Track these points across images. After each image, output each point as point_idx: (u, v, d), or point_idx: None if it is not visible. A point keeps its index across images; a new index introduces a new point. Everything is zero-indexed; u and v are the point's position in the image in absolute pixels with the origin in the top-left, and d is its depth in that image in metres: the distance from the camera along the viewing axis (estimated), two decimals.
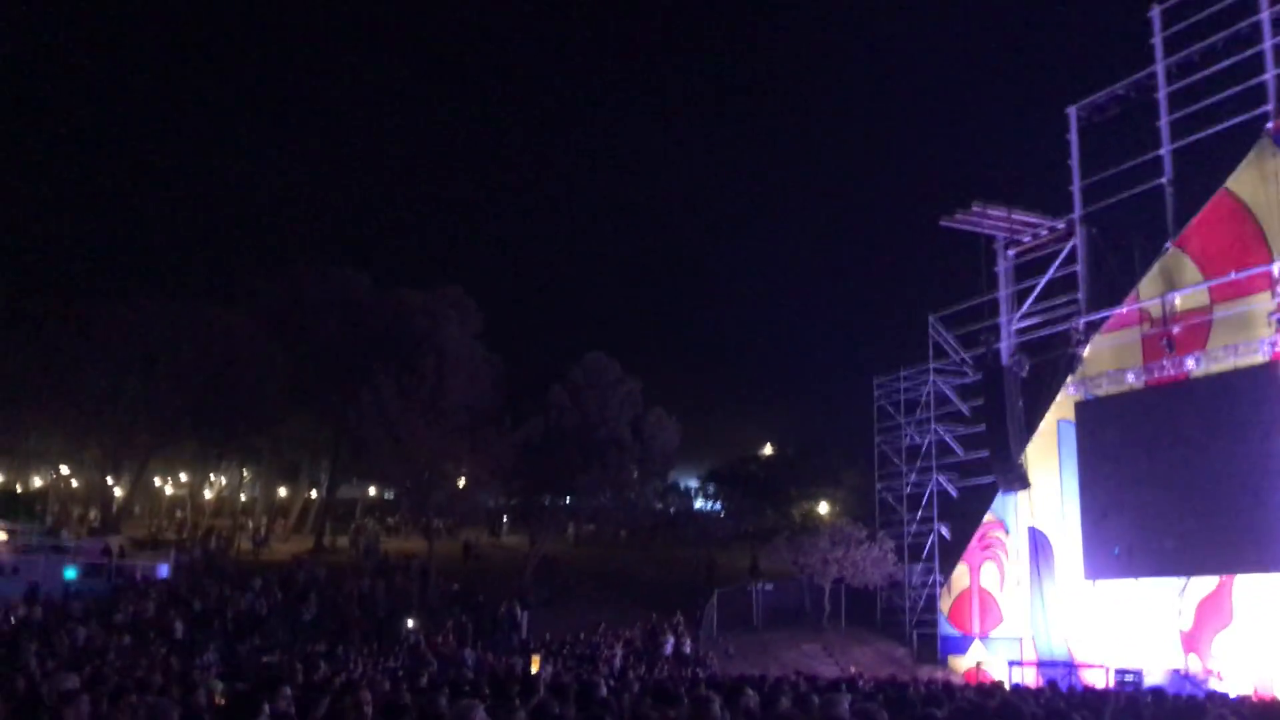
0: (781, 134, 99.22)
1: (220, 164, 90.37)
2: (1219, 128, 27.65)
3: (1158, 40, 29.69)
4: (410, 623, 31.33)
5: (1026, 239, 33.21)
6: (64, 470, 52.30)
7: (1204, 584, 26.55)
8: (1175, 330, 27.65)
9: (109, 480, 49.02)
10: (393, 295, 47.17)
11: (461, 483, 40.88)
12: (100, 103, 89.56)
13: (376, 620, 32.03)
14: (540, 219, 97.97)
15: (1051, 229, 32.43)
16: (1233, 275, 26.43)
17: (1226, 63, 27.61)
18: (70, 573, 33.71)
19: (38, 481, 54.01)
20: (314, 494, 54.91)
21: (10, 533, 38.70)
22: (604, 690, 12.11)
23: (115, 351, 42.26)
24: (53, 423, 44.66)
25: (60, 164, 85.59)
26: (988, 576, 33.15)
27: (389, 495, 55.30)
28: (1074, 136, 32.08)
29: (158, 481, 57.14)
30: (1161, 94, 29.47)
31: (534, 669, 23.12)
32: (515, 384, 43.59)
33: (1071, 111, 32.13)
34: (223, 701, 10.53)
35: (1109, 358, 29.90)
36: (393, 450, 37.54)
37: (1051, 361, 31.80)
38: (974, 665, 31.66)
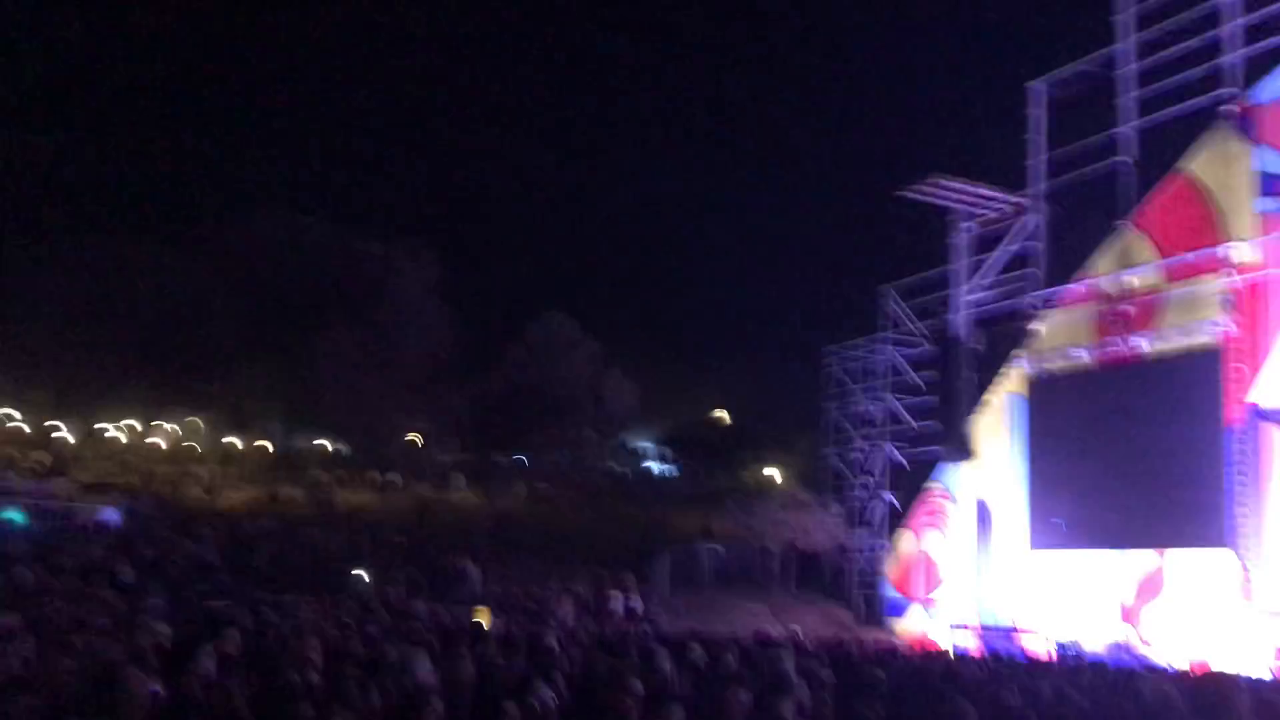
0: (740, 101, 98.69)
1: (177, 106, 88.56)
2: (1181, 108, 27.88)
3: (1124, 17, 29.74)
4: (360, 574, 31.27)
5: (985, 213, 33.40)
6: (9, 411, 51.46)
7: (1144, 558, 27.11)
8: (1128, 309, 28.00)
9: (57, 423, 48.29)
10: (348, 244, 46.73)
11: (415, 437, 40.83)
12: (60, 41, 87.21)
13: (327, 571, 31.92)
14: (503, 176, 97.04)
15: (1011, 204, 32.63)
16: (1186, 256, 26.79)
17: (1192, 43, 27.76)
18: (16, 515, 33.25)
19: None
20: (267, 444, 54.54)
21: None
22: (552, 642, 12.25)
23: (66, 290, 41.62)
24: None
25: (12, 100, 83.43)
26: (931, 543, 33.64)
27: (342, 448, 55.09)
28: (1037, 112, 32.17)
29: (110, 430, 56.42)
30: (1124, 72, 29.60)
31: (484, 622, 23.19)
32: (472, 340, 43.48)
33: (1036, 87, 32.21)
34: (167, 644, 10.47)
35: (1062, 334, 30.24)
36: (345, 401, 37.39)
37: (1005, 336, 32.12)
38: (919, 631, 32.16)
